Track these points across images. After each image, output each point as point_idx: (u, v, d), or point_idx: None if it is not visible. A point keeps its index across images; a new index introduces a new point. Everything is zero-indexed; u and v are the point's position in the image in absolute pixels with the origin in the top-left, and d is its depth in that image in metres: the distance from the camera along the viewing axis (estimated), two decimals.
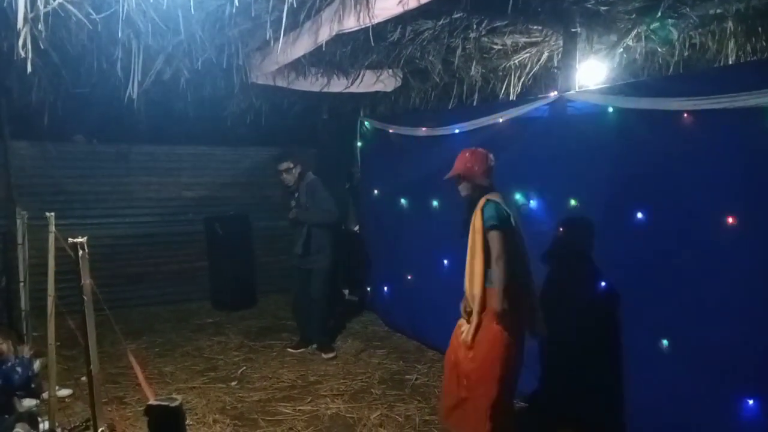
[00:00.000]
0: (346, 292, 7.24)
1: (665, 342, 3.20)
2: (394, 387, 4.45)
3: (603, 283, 3.57)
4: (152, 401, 1.76)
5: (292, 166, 5.04)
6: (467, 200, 3.39)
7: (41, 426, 3.43)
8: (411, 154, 5.49)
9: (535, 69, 5.03)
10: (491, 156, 3.39)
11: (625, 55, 4.57)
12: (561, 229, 3.85)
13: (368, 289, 6.60)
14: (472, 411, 3.23)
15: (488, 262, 3.17)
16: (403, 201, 5.68)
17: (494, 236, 3.13)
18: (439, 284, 4.89)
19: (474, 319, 3.21)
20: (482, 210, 3.20)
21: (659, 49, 4.49)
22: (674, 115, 3.10)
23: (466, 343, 3.24)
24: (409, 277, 5.63)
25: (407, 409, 4.03)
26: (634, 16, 3.88)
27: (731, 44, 4.18)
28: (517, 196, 4.16)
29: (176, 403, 1.74)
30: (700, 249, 3.03)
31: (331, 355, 5.14)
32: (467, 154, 3.38)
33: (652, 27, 4.01)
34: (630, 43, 4.27)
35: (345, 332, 5.86)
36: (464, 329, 3.30)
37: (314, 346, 5.30)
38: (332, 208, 5.12)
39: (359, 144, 6.52)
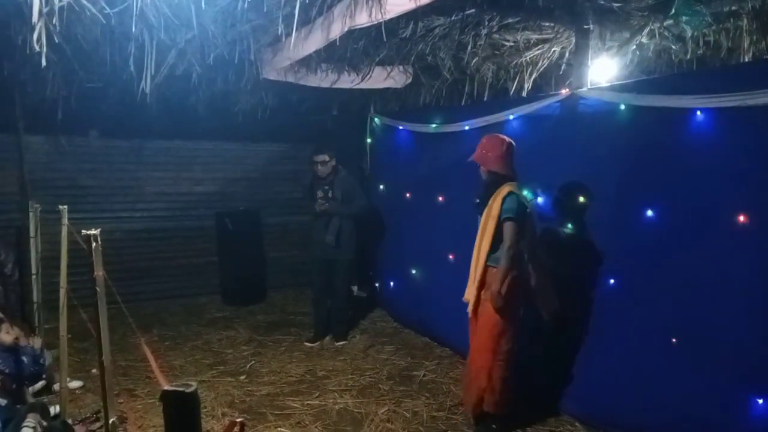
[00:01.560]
0: (355, 288, 7.25)
1: (674, 340, 3.19)
2: (402, 383, 4.46)
3: (612, 280, 3.55)
4: (167, 387, 1.77)
5: (328, 158, 5.16)
6: (484, 184, 3.57)
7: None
8: (421, 151, 5.49)
9: (546, 66, 5.00)
10: (509, 142, 3.53)
11: (637, 53, 4.54)
12: (571, 225, 3.83)
13: (377, 285, 6.61)
14: (474, 382, 3.56)
15: (495, 246, 3.43)
16: (412, 197, 5.68)
17: (509, 227, 3.37)
18: (448, 281, 4.89)
19: (473, 294, 3.51)
20: (503, 200, 3.40)
21: (672, 47, 4.45)
22: (687, 113, 3.07)
23: (470, 311, 3.56)
24: (417, 274, 5.63)
25: (415, 405, 4.03)
26: (647, 12, 3.85)
27: (746, 42, 4.13)
28: (527, 193, 4.14)
29: (192, 389, 1.75)
30: (712, 247, 3.01)
31: (343, 342, 5.39)
32: (484, 140, 3.58)
33: (665, 24, 3.98)
34: (643, 40, 4.24)
35: (354, 328, 5.88)
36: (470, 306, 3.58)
37: (330, 336, 5.48)
38: (368, 203, 5.44)
39: (369, 140, 6.52)
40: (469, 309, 3.58)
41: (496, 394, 3.52)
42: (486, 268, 3.48)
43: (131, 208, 6.77)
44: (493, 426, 3.61)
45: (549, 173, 4.00)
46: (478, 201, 3.62)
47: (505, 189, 3.44)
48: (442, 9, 3.76)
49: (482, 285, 3.51)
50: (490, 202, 3.47)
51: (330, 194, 5.23)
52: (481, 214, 3.56)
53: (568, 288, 3.80)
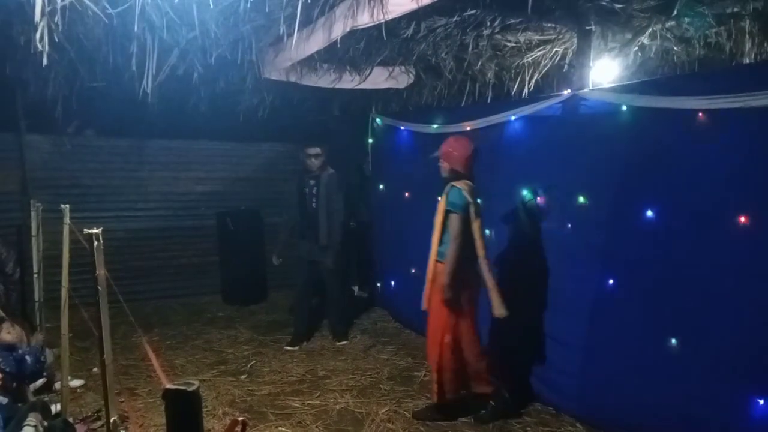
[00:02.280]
0: (356, 288, 7.25)
1: (674, 341, 3.19)
2: (403, 383, 4.46)
3: (612, 280, 3.55)
4: (169, 385, 1.77)
5: (320, 152, 5.15)
6: (443, 181, 3.75)
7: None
8: (423, 151, 5.48)
9: (548, 67, 5.00)
10: (475, 148, 3.73)
11: (639, 54, 4.54)
12: (573, 226, 3.83)
13: (378, 285, 6.61)
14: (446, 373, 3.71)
15: (442, 240, 3.63)
16: (413, 197, 5.68)
17: (453, 219, 3.56)
18: None
19: (426, 286, 3.69)
20: (447, 194, 3.62)
21: (674, 48, 4.45)
22: (689, 115, 3.07)
23: (424, 308, 3.73)
24: (418, 274, 5.62)
25: (416, 405, 4.03)
26: (649, 14, 3.84)
27: (748, 43, 4.13)
28: (526, 193, 4.15)
29: (193, 388, 1.76)
30: (713, 247, 3.01)
31: (344, 342, 5.40)
32: (451, 140, 3.80)
33: (667, 25, 3.98)
34: (645, 41, 4.24)
35: (354, 328, 5.88)
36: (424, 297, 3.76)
37: (331, 336, 5.52)
38: (342, 209, 5.35)
39: (370, 140, 6.52)
40: (424, 304, 3.73)
41: (438, 384, 3.71)
42: (436, 263, 3.65)
43: (132, 207, 6.77)
44: (492, 403, 3.78)
45: (550, 174, 4.00)
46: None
47: (453, 185, 3.62)
48: (443, 9, 3.76)
49: (433, 278, 3.67)
50: (441, 198, 3.67)
51: (315, 190, 5.18)
52: None
53: (567, 287, 3.80)
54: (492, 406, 3.79)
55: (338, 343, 5.39)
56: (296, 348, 5.27)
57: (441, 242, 3.65)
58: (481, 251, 3.61)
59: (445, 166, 3.73)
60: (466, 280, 3.63)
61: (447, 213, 3.59)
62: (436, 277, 3.65)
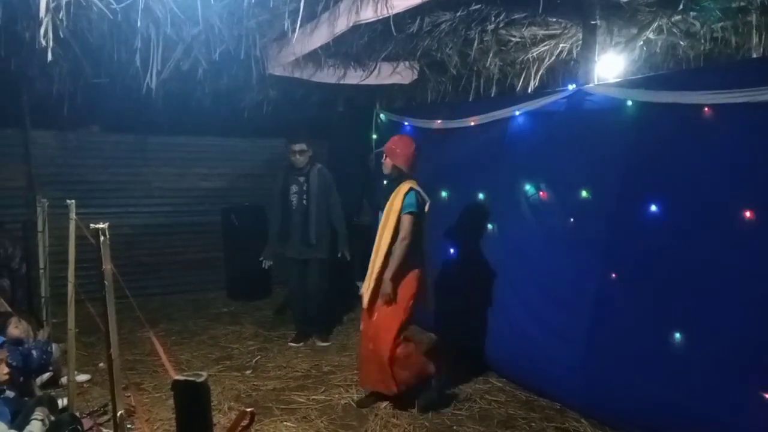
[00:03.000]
0: (360, 284, 7.24)
1: (678, 335, 3.18)
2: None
3: (616, 275, 3.54)
4: (178, 376, 1.78)
5: (306, 148, 5.07)
6: (388, 179, 3.99)
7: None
8: (426, 147, 5.47)
9: (553, 62, 4.98)
10: (418, 146, 3.92)
11: (645, 49, 4.52)
12: (577, 221, 3.82)
13: (358, 283, 6.59)
14: (375, 364, 3.81)
15: (395, 239, 3.71)
16: None
17: (406, 220, 3.68)
18: (449, 275, 4.89)
19: (370, 284, 3.78)
20: (404, 195, 3.71)
21: (680, 43, 4.42)
22: (694, 109, 3.06)
23: (365, 305, 3.85)
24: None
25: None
26: (655, 8, 3.83)
27: (755, 38, 4.11)
28: (529, 188, 4.15)
29: (202, 379, 1.77)
30: (718, 242, 3.00)
31: (327, 344, 5.26)
32: (395, 138, 3.98)
33: (673, 20, 3.96)
34: (650, 36, 4.22)
35: (359, 324, 5.87)
36: (364, 295, 3.89)
37: (314, 336, 5.36)
38: (339, 202, 5.28)
39: (374, 136, 6.51)
40: (365, 302, 3.84)
41: (407, 374, 3.80)
42: (386, 260, 3.73)
43: (137, 203, 6.79)
44: (432, 383, 3.91)
45: (555, 169, 4.00)
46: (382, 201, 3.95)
47: (405, 186, 3.76)
48: (448, 4, 3.75)
49: (381, 275, 3.75)
50: (391, 197, 3.79)
51: (305, 187, 5.09)
52: (382, 209, 3.90)
53: (570, 281, 3.80)
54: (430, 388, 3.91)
55: (321, 344, 5.22)
56: (300, 344, 5.26)
57: (393, 242, 3.71)
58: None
59: (387, 163, 3.88)
60: (412, 275, 3.78)
61: (402, 214, 3.69)
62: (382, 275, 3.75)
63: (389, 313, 3.76)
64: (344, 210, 5.37)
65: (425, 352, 4.00)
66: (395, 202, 3.74)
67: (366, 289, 3.86)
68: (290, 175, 5.18)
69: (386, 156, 3.88)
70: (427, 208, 3.81)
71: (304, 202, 5.10)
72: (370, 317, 3.87)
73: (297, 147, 5.05)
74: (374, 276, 3.77)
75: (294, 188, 5.13)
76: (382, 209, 3.88)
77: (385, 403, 3.98)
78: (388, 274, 3.70)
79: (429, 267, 4.02)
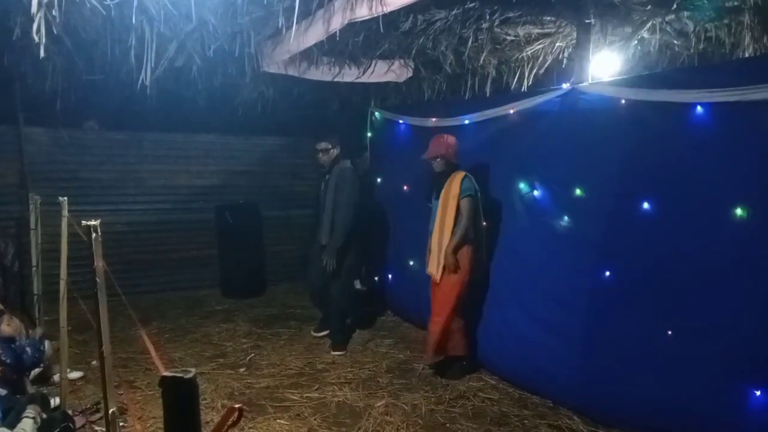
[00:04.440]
0: (357, 282, 7.25)
1: (672, 333, 3.19)
2: (401, 376, 4.47)
3: (609, 273, 3.55)
4: (166, 373, 1.77)
5: (330, 147, 5.02)
6: (438, 175, 4.35)
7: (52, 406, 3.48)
8: (421, 145, 5.47)
9: (548, 61, 4.99)
10: (456, 141, 4.37)
11: (639, 48, 4.53)
12: (571, 219, 3.84)
13: (376, 279, 6.61)
14: (434, 335, 4.31)
15: (456, 221, 4.17)
16: (411, 191, 5.68)
17: (467, 202, 4.16)
18: None
19: (441, 260, 4.22)
20: (461, 182, 4.18)
21: (674, 42, 4.44)
22: (688, 108, 3.07)
23: (435, 279, 4.31)
24: (416, 267, 5.63)
25: (414, 398, 4.05)
26: (649, 7, 3.84)
27: (747, 37, 4.13)
28: (523, 186, 4.16)
29: (190, 375, 1.76)
30: (711, 240, 3.02)
31: (340, 353, 4.96)
32: (436, 139, 4.36)
33: (667, 19, 3.97)
34: (645, 35, 4.23)
35: (353, 322, 5.88)
36: (433, 270, 4.34)
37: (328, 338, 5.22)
38: (348, 204, 4.89)
39: (369, 134, 6.51)
40: (436, 278, 4.29)
41: (460, 340, 4.38)
42: (452, 240, 4.18)
43: (131, 200, 6.76)
44: (464, 363, 4.47)
45: (549, 167, 4.00)
46: (433, 193, 4.45)
47: (459, 174, 4.23)
48: (442, 2, 3.75)
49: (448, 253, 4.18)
50: (446, 185, 4.24)
51: (326, 185, 5.07)
52: (430, 200, 4.47)
53: (566, 280, 3.81)
54: (461, 365, 4.46)
55: (333, 353, 4.94)
56: (321, 334, 5.30)
57: (455, 223, 4.17)
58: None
59: (439, 163, 4.32)
60: (472, 253, 4.23)
61: (462, 198, 4.14)
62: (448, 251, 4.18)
63: (450, 287, 4.24)
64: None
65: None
66: (452, 188, 4.19)
67: (436, 265, 4.28)
68: (323, 173, 5.21)
69: (440, 158, 4.29)
70: (478, 194, 4.26)
71: (323, 200, 5.08)
72: (435, 289, 4.36)
73: (319, 146, 5.05)
74: (443, 253, 4.20)
75: (322, 185, 5.15)
76: (430, 200, 4.49)
77: (379, 402, 3.98)
78: (450, 248, 4.15)
79: (485, 245, 4.39)
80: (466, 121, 4.73)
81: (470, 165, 4.70)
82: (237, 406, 1.92)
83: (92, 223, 2.06)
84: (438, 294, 4.34)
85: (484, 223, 4.34)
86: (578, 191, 3.77)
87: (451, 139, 4.35)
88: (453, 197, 4.17)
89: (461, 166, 4.33)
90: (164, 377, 1.78)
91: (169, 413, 1.83)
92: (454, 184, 4.19)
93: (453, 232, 4.17)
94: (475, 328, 4.53)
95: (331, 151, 5.03)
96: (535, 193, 4.11)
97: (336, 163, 5.06)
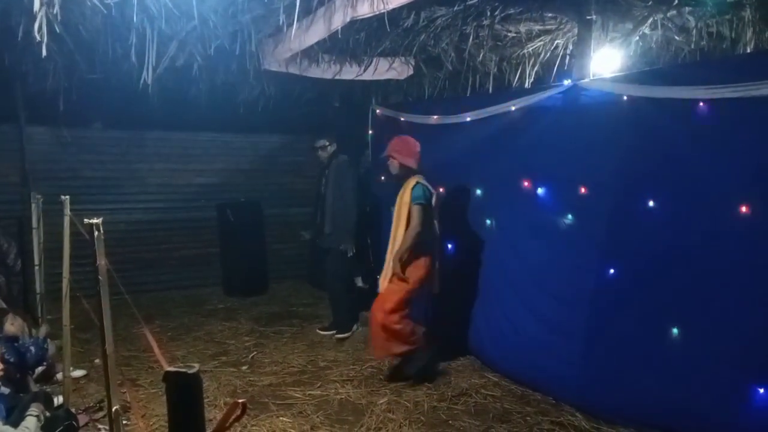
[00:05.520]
0: (359, 279, 7.25)
1: (675, 330, 3.20)
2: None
3: (613, 270, 3.55)
4: (170, 368, 1.78)
5: (327, 144, 5.29)
6: (395, 177, 4.24)
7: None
8: (422, 143, 5.46)
9: (549, 57, 4.98)
10: (418, 144, 4.22)
11: (640, 44, 4.53)
12: (572, 216, 3.83)
13: (378, 276, 6.60)
14: (380, 333, 4.13)
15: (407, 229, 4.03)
16: None
17: (417, 210, 4.01)
18: (446, 271, 4.89)
19: (388, 272, 4.12)
20: (412, 189, 4.03)
21: (675, 38, 4.43)
22: (690, 104, 3.07)
23: (382, 288, 4.19)
24: None
25: (416, 395, 4.05)
26: (650, 3, 3.83)
27: (749, 33, 4.12)
28: (528, 185, 4.15)
29: (194, 370, 1.77)
30: (713, 237, 3.01)
31: (345, 334, 5.32)
32: (397, 139, 4.25)
33: (668, 15, 3.96)
34: (646, 31, 4.23)
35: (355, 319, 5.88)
36: (381, 281, 4.24)
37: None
38: (348, 199, 5.25)
39: (370, 132, 6.50)
40: (384, 282, 4.18)
41: (404, 340, 4.16)
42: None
43: (133, 199, 6.78)
44: (417, 359, 4.23)
45: (551, 164, 3.99)
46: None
47: (412, 180, 4.09)
48: None
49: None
50: (401, 192, 4.13)
51: (326, 179, 5.31)
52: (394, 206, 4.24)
53: (569, 277, 3.81)
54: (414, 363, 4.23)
55: (338, 336, 5.32)
56: (329, 333, 5.41)
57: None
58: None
59: (394, 164, 4.20)
60: (424, 261, 4.13)
61: (412, 205, 4.00)
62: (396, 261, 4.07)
63: (394, 288, 4.10)
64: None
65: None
66: (405, 195, 4.07)
67: (384, 277, 4.18)
68: (321, 169, 5.47)
69: (392, 158, 4.18)
70: (434, 200, 4.14)
71: (323, 193, 5.32)
72: (383, 296, 4.18)
73: (317, 143, 5.35)
74: (391, 263, 4.08)
75: (323, 179, 5.39)
76: (392, 205, 4.25)
77: (381, 399, 3.99)
78: (396, 255, 4.03)
79: (440, 254, 4.31)
80: (468, 119, 4.72)
81: (471, 162, 4.70)
82: (240, 401, 1.93)
83: (94, 221, 2.07)
84: (376, 302, 4.19)
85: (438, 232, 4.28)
86: (580, 187, 3.76)
87: (408, 142, 4.23)
88: (405, 204, 4.07)
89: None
90: (168, 372, 1.79)
91: (173, 409, 1.85)
92: (407, 190, 4.09)
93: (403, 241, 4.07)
94: (478, 325, 4.53)
95: (328, 147, 5.31)
96: (538, 190, 4.10)
97: (334, 158, 5.31)
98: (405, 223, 4.05)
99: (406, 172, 4.18)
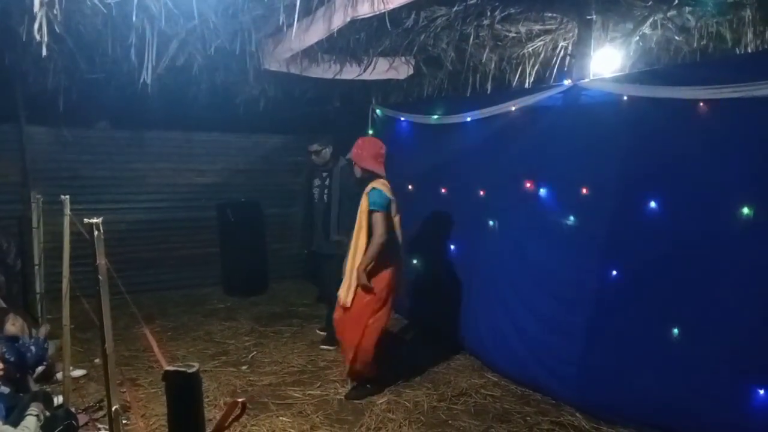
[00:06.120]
0: None
1: (676, 331, 3.20)
2: (403, 373, 4.47)
3: (614, 272, 3.55)
4: (169, 367, 1.78)
5: (321, 148, 5.05)
6: (358, 181, 4.01)
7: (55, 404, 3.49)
8: (423, 143, 5.48)
9: (549, 57, 4.98)
10: (383, 146, 3.96)
11: (641, 44, 4.52)
12: (573, 216, 3.83)
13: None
14: (346, 353, 3.97)
15: (369, 238, 3.77)
16: (414, 189, 5.67)
17: (377, 218, 3.74)
18: (449, 271, 4.90)
19: (351, 282, 3.82)
20: (368, 195, 3.79)
21: (676, 38, 4.43)
22: (690, 104, 3.07)
23: (345, 304, 3.86)
24: (418, 265, 5.63)
25: (416, 395, 4.05)
26: (650, 3, 3.82)
27: (749, 33, 4.11)
28: (528, 185, 4.15)
29: (193, 370, 1.76)
30: (714, 238, 3.01)
31: (332, 348, 4.95)
32: (360, 140, 4.02)
33: (668, 15, 3.96)
34: (646, 31, 4.22)
35: None
36: (342, 293, 3.92)
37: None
38: (353, 200, 4.84)
39: (370, 132, 6.50)
40: (347, 300, 3.85)
41: (367, 362, 3.94)
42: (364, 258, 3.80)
43: (133, 199, 6.77)
44: (368, 385, 4.07)
45: (552, 164, 4.00)
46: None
47: (370, 185, 3.83)
48: None
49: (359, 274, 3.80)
50: (363, 197, 3.85)
51: (327, 182, 5.08)
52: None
53: (570, 278, 3.81)
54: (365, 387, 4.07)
55: (322, 347, 5.02)
56: (324, 333, 5.27)
57: (369, 240, 3.78)
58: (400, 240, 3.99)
59: (357, 169, 3.98)
60: (387, 270, 3.86)
61: (370, 213, 3.75)
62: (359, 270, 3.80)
63: (363, 305, 3.85)
64: None
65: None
66: (363, 202, 3.83)
67: (346, 288, 3.88)
68: (315, 169, 5.22)
69: (355, 162, 3.97)
70: (393, 207, 3.89)
71: (325, 198, 5.08)
72: (344, 311, 3.92)
73: (312, 148, 5.09)
74: (354, 273, 3.81)
75: (317, 182, 5.17)
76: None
77: (381, 399, 3.99)
78: (361, 267, 3.76)
79: (403, 261, 4.10)
80: (468, 119, 4.73)
81: (472, 162, 4.71)
82: (240, 400, 1.93)
83: (94, 221, 2.07)
84: (347, 321, 3.91)
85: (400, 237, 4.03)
86: (581, 188, 3.76)
87: (368, 143, 3.99)
88: (363, 212, 3.81)
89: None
90: (167, 371, 1.79)
91: (173, 408, 1.84)
92: (365, 197, 3.83)
93: (365, 251, 3.77)
94: (478, 325, 4.53)
95: (323, 151, 5.07)
96: (539, 190, 4.10)
97: (335, 162, 5.10)
98: (366, 231, 3.79)
99: (369, 176, 3.91)
